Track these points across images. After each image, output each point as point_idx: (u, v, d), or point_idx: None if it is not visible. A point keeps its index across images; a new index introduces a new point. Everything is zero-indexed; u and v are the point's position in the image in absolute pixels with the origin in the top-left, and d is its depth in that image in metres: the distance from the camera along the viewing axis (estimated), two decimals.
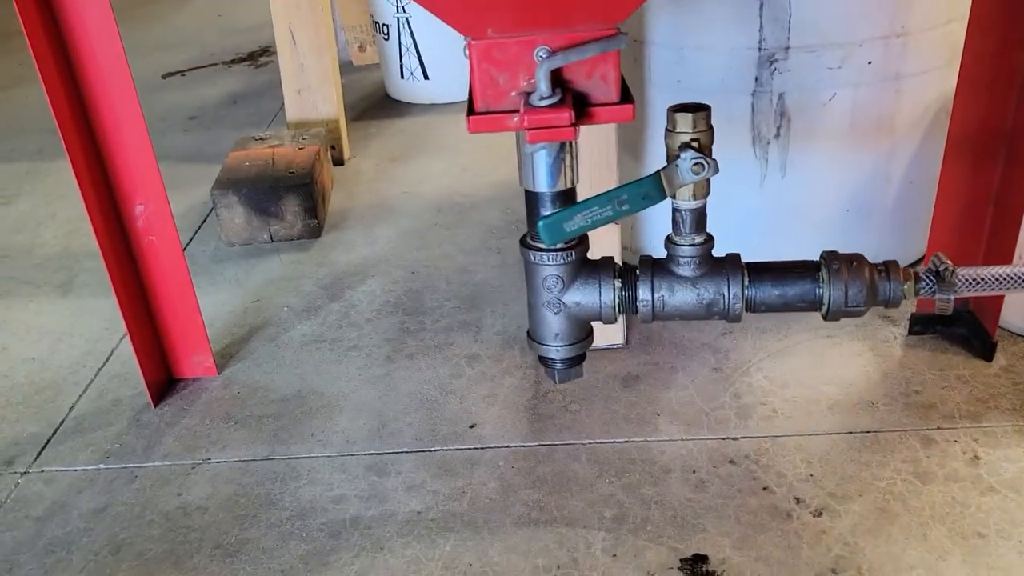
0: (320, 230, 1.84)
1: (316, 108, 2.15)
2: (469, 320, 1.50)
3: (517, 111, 0.69)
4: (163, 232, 1.31)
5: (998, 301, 1.27)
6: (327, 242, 1.82)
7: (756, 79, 1.31)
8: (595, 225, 0.75)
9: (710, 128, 0.76)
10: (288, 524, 1.11)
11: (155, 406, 1.36)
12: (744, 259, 1.42)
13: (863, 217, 1.42)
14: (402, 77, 2.58)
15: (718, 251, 1.43)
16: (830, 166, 1.38)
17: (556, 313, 0.83)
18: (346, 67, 2.90)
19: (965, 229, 1.28)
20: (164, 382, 1.40)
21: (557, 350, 0.85)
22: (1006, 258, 1.22)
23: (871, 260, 1.46)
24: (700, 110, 0.75)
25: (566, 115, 0.66)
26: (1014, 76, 1.16)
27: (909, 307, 1.39)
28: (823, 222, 1.42)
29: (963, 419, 1.18)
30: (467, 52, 0.69)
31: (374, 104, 2.64)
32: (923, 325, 1.35)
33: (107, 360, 1.49)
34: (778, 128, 1.34)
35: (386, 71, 2.65)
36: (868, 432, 1.17)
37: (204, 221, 1.95)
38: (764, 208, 1.41)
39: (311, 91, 2.14)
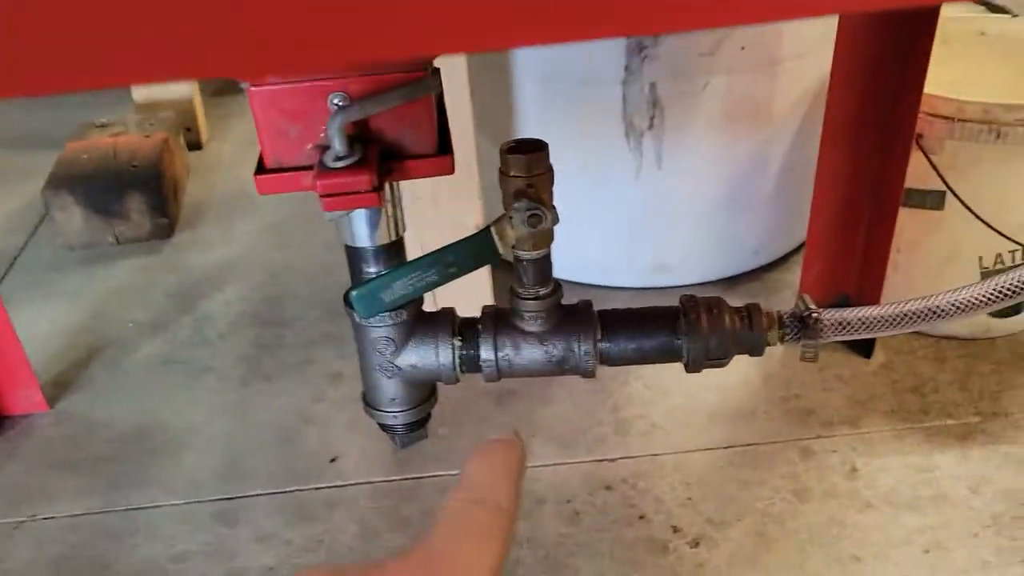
0: (172, 228, 1.68)
1: (166, 86, 1.96)
2: (332, 331, 1.38)
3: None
4: None
5: (877, 295, 1.23)
6: (180, 242, 1.66)
7: (626, 67, 1.22)
8: (419, 292, 0.65)
9: (548, 170, 0.66)
10: None
11: None
12: (624, 252, 1.36)
13: (744, 206, 1.36)
14: None
15: (603, 247, 1.37)
16: (708, 155, 1.30)
17: (390, 377, 0.73)
18: None
19: (844, 218, 1.23)
20: None
21: (395, 416, 0.75)
22: (884, 246, 1.18)
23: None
24: (536, 150, 0.65)
25: (366, 179, 0.55)
26: (888, 63, 1.10)
27: (787, 304, 1.35)
28: (704, 212, 1.35)
29: (842, 425, 1.14)
30: (248, 98, 0.57)
31: None
32: None
33: None
34: (651, 118, 1.25)
35: None
36: (748, 445, 1.12)
37: (42, 220, 1.76)
38: (642, 200, 1.33)
39: None
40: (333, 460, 1.15)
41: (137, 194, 1.62)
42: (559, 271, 1.56)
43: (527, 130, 1.31)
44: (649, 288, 1.41)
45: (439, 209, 1.16)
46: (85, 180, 1.61)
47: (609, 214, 1.35)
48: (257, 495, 1.11)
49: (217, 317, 1.44)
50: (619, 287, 1.42)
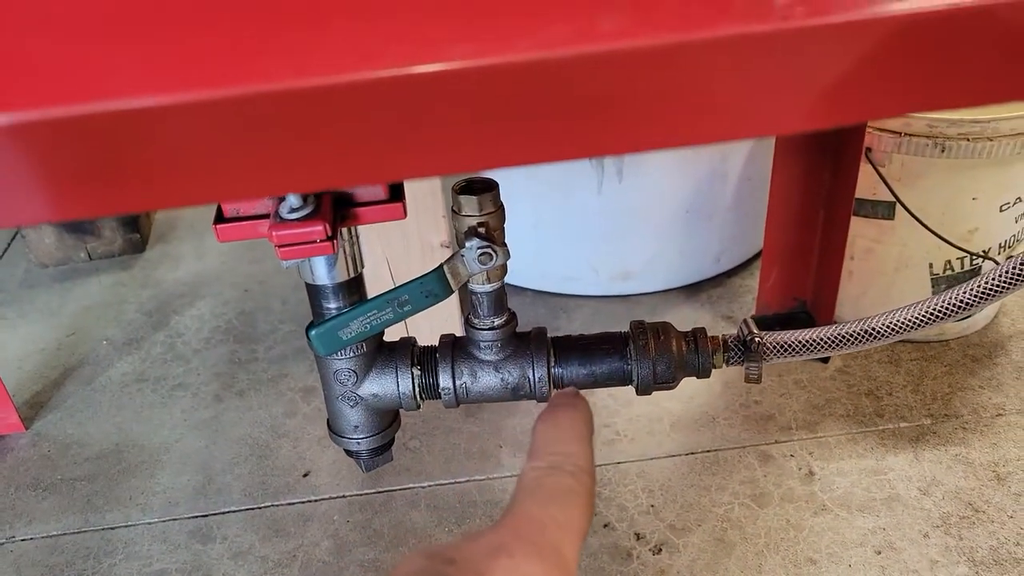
0: (144, 243, 1.70)
1: None
2: (305, 346, 1.39)
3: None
4: None
5: (832, 301, 1.27)
6: (152, 257, 1.68)
7: None
8: (376, 329, 0.67)
9: (499, 208, 0.69)
10: None
11: None
12: (590, 262, 1.39)
13: (703, 216, 1.39)
14: None
15: (569, 258, 1.40)
16: (668, 169, 1.34)
17: (353, 406, 0.76)
18: None
19: (798, 228, 1.27)
20: None
21: (359, 442, 0.78)
22: (838, 254, 1.22)
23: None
24: (487, 190, 0.68)
25: (319, 229, 0.57)
26: None
27: (748, 308, 1.39)
28: (664, 224, 1.39)
29: (799, 430, 1.18)
30: None
31: None
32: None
33: None
34: None
35: None
36: (708, 452, 1.16)
37: (14, 238, 1.77)
38: (604, 213, 1.36)
39: None
40: (306, 475, 1.18)
41: None
42: (527, 281, 1.59)
43: None
44: (614, 296, 1.45)
45: (405, 228, 1.18)
46: None
47: (574, 226, 1.38)
48: (232, 511, 1.13)
49: (190, 333, 1.46)
50: (585, 295, 1.45)
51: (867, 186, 1.18)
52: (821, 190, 1.21)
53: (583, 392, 0.51)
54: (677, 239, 1.40)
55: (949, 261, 1.22)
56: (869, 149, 1.15)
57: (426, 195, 1.17)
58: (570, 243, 1.40)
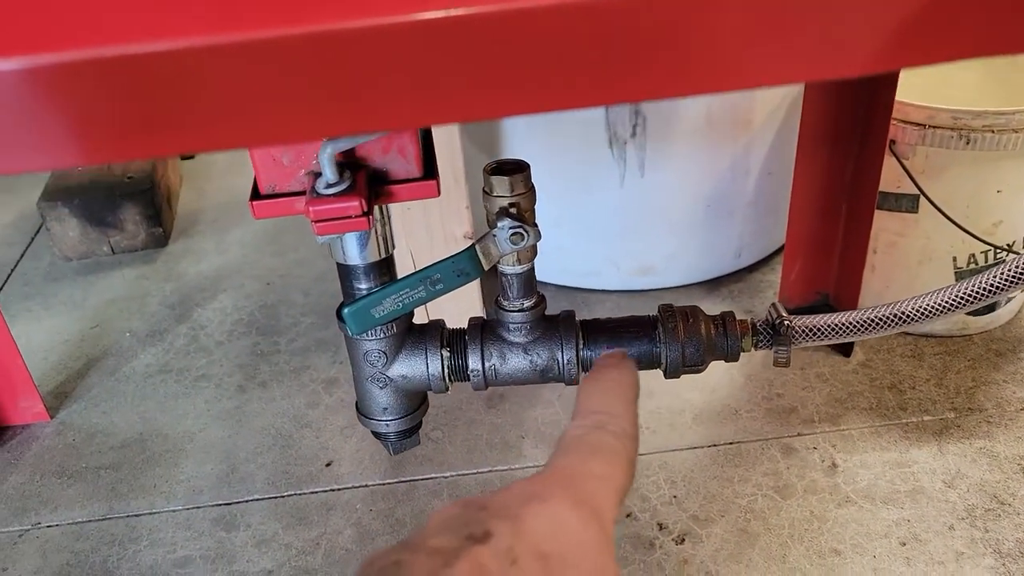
0: (167, 238, 1.71)
1: None
2: (327, 338, 1.41)
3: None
4: None
5: (855, 295, 1.27)
6: (175, 251, 1.69)
7: None
8: (408, 308, 0.68)
9: (530, 189, 0.69)
10: None
11: None
12: (611, 256, 1.40)
13: (724, 211, 1.39)
14: None
15: (590, 252, 1.40)
16: (689, 163, 1.34)
17: (382, 388, 0.76)
18: None
19: (821, 221, 1.26)
20: None
21: (387, 424, 0.78)
22: (861, 248, 1.22)
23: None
24: (519, 171, 0.68)
25: (356, 204, 0.58)
26: None
27: (769, 303, 1.38)
28: (685, 218, 1.39)
29: (822, 423, 1.18)
30: None
31: None
32: None
33: None
34: (634, 127, 1.28)
35: None
36: (731, 444, 1.16)
37: (38, 231, 1.78)
38: (625, 207, 1.36)
39: None
40: (328, 464, 1.18)
41: (132, 204, 1.64)
42: (549, 276, 1.60)
43: (515, 140, 1.35)
44: (635, 291, 1.45)
45: (429, 218, 1.19)
46: (80, 191, 1.63)
47: (595, 221, 1.38)
48: (255, 500, 1.14)
49: (213, 326, 1.47)
50: (606, 290, 1.45)
51: (891, 179, 1.18)
52: (844, 183, 1.21)
53: None
54: (698, 234, 1.40)
55: (973, 255, 1.21)
56: (893, 141, 1.15)
57: (449, 185, 1.17)
58: (591, 238, 1.40)
